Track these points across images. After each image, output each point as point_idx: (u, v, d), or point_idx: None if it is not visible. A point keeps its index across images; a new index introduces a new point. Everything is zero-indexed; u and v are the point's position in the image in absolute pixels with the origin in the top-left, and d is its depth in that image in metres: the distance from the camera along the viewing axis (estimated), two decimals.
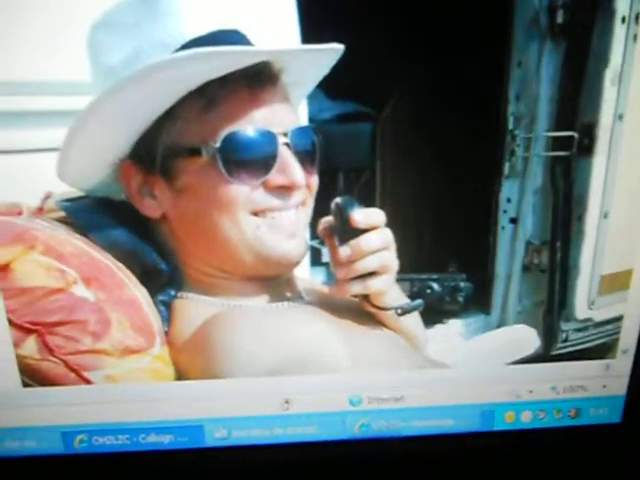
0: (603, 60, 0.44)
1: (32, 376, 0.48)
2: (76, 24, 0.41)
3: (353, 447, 0.54)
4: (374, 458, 0.54)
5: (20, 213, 0.48)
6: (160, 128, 0.44)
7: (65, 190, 0.48)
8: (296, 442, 0.54)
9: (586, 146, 0.45)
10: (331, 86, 0.43)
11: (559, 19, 0.43)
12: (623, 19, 0.43)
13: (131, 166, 0.46)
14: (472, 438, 0.54)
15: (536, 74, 0.44)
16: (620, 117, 0.45)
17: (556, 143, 0.45)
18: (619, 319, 0.51)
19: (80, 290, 0.47)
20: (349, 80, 0.42)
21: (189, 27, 0.42)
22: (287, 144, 0.45)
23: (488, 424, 0.54)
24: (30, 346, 0.47)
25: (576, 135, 0.45)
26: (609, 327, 0.51)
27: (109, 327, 0.48)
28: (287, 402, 0.52)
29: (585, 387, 0.54)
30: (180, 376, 0.50)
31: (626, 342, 0.52)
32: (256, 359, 0.47)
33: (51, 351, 0.47)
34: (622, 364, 0.53)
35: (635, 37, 0.43)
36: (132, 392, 0.51)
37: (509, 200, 0.47)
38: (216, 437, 0.54)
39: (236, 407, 0.53)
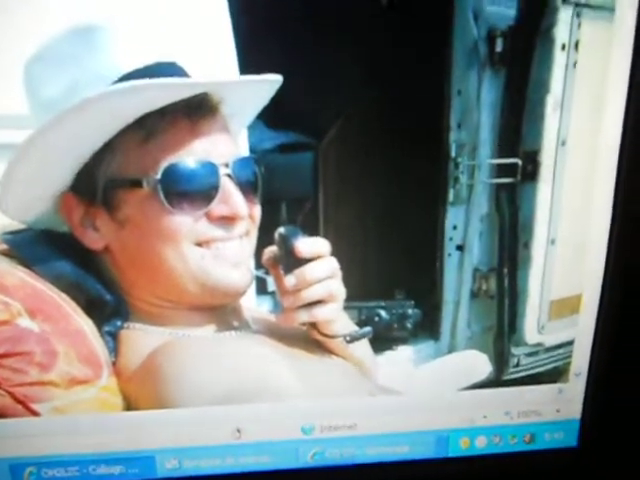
0: (544, 87, 0.44)
1: None
2: (11, 57, 0.41)
3: (307, 476, 0.53)
4: None
5: None
6: (100, 160, 0.44)
7: (6, 223, 0.47)
8: (249, 471, 0.53)
9: (530, 173, 0.45)
10: (271, 116, 0.43)
11: (498, 47, 0.43)
12: (563, 46, 0.44)
13: (72, 198, 0.45)
14: (428, 465, 0.53)
15: (477, 102, 0.44)
16: (563, 143, 0.45)
17: (500, 170, 0.45)
18: (570, 343, 0.51)
19: (25, 322, 0.46)
20: (289, 110, 0.42)
21: (126, 59, 0.42)
22: (229, 175, 0.45)
23: (443, 450, 0.54)
24: None
25: (520, 162, 0.45)
26: (560, 351, 0.51)
27: (55, 358, 0.47)
28: (239, 431, 0.51)
29: (539, 412, 0.53)
30: (129, 406, 0.49)
31: (578, 365, 0.52)
32: (204, 388, 0.47)
33: None
34: (575, 387, 0.53)
35: (575, 64, 0.44)
36: (81, 423, 0.50)
37: (455, 227, 0.47)
38: (167, 468, 0.52)
39: (187, 437, 0.52)
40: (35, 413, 0.47)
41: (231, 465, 0.53)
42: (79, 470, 0.52)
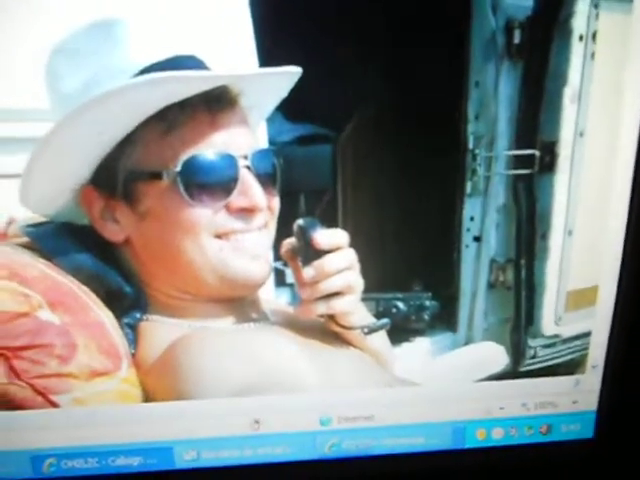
0: (561, 79, 0.44)
1: None
2: (33, 51, 0.41)
3: (324, 467, 0.54)
4: (345, 478, 0.55)
5: None
6: (121, 153, 0.44)
7: (28, 216, 0.48)
8: (267, 463, 0.54)
9: (548, 164, 0.46)
10: (290, 108, 0.43)
11: (516, 39, 0.43)
12: (580, 37, 0.44)
13: (93, 191, 0.46)
14: (444, 456, 0.54)
15: (494, 94, 0.44)
16: (581, 134, 0.45)
17: (517, 161, 0.46)
18: (587, 335, 0.52)
19: (45, 314, 0.47)
20: (308, 102, 0.43)
21: (145, 53, 0.42)
22: (248, 167, 0.45)
23: (460, 442, 0.54)
24: None
25: (537, 153, 0.45)
26: (577, 343, 0.52)
27: (75, 350, 0.48)
28: (257, 422, 0.52)
29: (555, 403, 0.54)
30: (148, 398, 0.50)
31: (595, 357, 0.53)
32: (223, 380, 0.47)
33: (17, 375, 0.47)
34: (592, 379, 0.54)
35: (593, 55, 0.44)
36: (100, 415, 0.51)
37: (472, 218, 0.47)
38: (185, 459, 0.54)
39: (205, 428, 0.53)
40: (55, 405, 0.48)
41: (249, 456, 0.54)
42: (98, 461, 0.53)
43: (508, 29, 0.43)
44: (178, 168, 0.44)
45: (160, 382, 0.49)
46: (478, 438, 0.55)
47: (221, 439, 0.53)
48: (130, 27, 0.42)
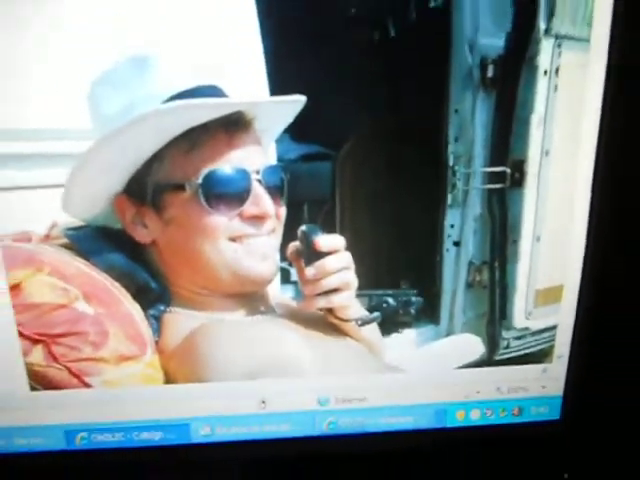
0: (529, 107, 0.50)
1: (39, 381, 0.54)
2: (78, 81, 0.47)
3: (322, 443, 0.60)
4: (341, 452, 0.60)
5: (30, 240, 0.53)
6: (150, 167, 0.50)
7: (68, 220, 0.53)
8: (272, 438, 0.59)
9: (517, 179, 0.51)
10: (296, 130, 0.49)
11: (489, 73, 0.49)
12: (545, 72, 0.50)
13: (125, 200, 0.52)
14: (428, 434, 0.60)
15: (471, 119, 0.50)
16: (546, 154, 0.51)
17: (491, 177, 0.51)
18: (553, 328, 0.57)
19: (81, 306, 0.53)
20: (311, 125, 0.49)
21: (174, 83, 0.48)
22: (259, 180, 0.51)
23: (441, 421, 0.60)
24: (37, 354, 0.53)
25: (508, 170, 0.51)
26: (545, 335, 0.57)
27: (106, 338, 0.53)
28: (263, 402, 0.58)
29: (526, 388, 0.60)
30: (169, 380, 0.55)
31: (560, 348, 0.59)
32: (235, 365, 0.53)
33: (56, 359, 0.53)
34: (558, 368, 0.59)
35: (556, 87, 0.50)
36: (127, 395, 0.56)
37: (452, 226, 0.53)
38: (201, 434, 0.59)
39: (219, 407, 0.58)
40: (87, 385, 0.54)
41: (256, 432, 0.59)
42: (124, 435, 0.59)
43: (483, 65, 0.49)
44: (199, 181, 0.50)
45: (180, 366, 0.54)
46: (458, 418, 0.60)
47: (232, 417, 0.59)
48: (160, 61, 0.48)
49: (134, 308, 0.53)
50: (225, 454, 0.59)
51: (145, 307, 0.54)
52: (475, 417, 0.60)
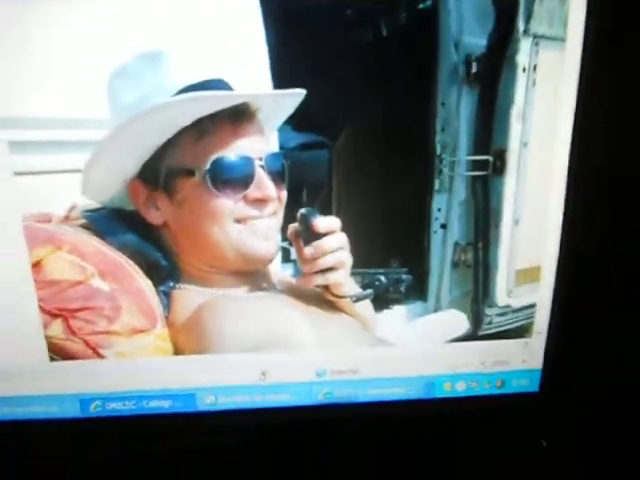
0: (509, 101, 0.54)
1: (57, 353, 0.57)
2: (98, 75, 0.51)
3: (319, 411, 0.63)
4: (337, 420, 0.64)
5: (50, 221, 0.56)
6: (162, 154, 0.54)
7: (86, 203, 0.56)
8: (272, 407, 0.62)
9: (499, 168, 0.55)
10: (296, 121, 0.53)
11: (473, 69, 0.53)
12: (524, 69, 0.54)
13: (139, 184, 0.55)
14: (417, 404, 0.63)
15: (456, 112, 0.53)
16: (525, 144, 0.55)
17: (475, 165, 0.55)
18: (533, 306, 0.61)
19: (97, 282, 0.56)
20: (310, 117, 0.52)
21: (185, 76, 0.52)
22: (262, 166, 0.55)
23: (430, 392, 0.64)
24: (56, 328, 0.56)
25: (491, 159, 0.55)
26: (525, 312, 0.61)
27: (120, 312, 0.56)
28: (264, 374, 0.61)
29: (508, 362, 0.63)
30: (177, 352, 0.58)
31: (539, 324, 0.62)
32: (238, 338, 0.56)
33: (73, 332, 0.56)
34: (537, 342, 0.63)
35: (534, 82, 0.54)
36: (138, 365, 0.58)
37: (439, 210, 0.56)
38: (206, 403, 0.62)
39: (223, 377, 0.60)
40: (102, 357, 0.57)
41: (258, 401, 0.62)
42: (135, 404, 0.62)
43: (467, 62, 0.52)
44: (207, 166, 0.53)
45: (187, 338, 0.57)
46: (445, 389, 0.64)
47: (235, 387, 0.61)
48: (172, 57, 0.51)
49: (146, 284, 0.57)
50: (228, 422, 0.62)
51: (156, 284, 0.57)
52: (461, 388, 0.64)
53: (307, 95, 0.52)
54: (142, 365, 0.59)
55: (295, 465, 0.66)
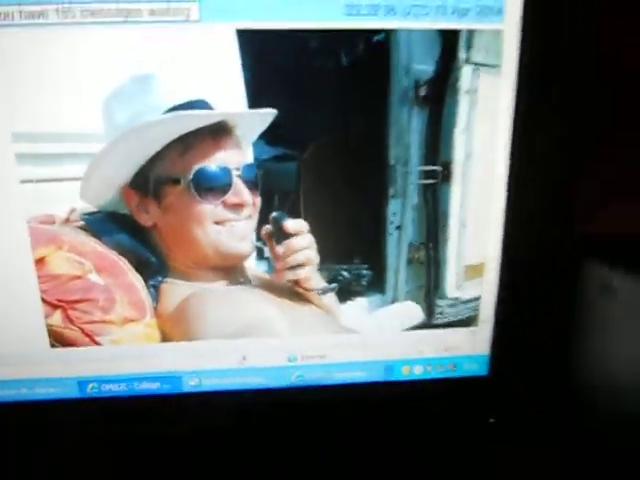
0: (454, 119, 0.58)
1: (57, 340, 0.61)
2: (95, 96, 0.57)
3: (292, 393, 0.68)
4: (307, 401, 0.69)
5: (53, 222, 0.60)
6: (151, 165, 0.59)
7: (85, 206, 0.60)
8: (250, 389, 0.67)
9: (446, 176, 0.59)
10: (269, 136, 0.58)
11: (422, 93, 0.59)
12: (466, 91, 0.61)
13: (131, 191, 0.60)
14: (378, 386, 0.69)
15: (408, 128, 0.57)
16: (469, 156, 0.62)
17: (425, 174, 0.59)
18: (478, 298, 0.66)
19: (94, 277, 0.60)
20: (281, 132, 0.59)
21: (171, 98, 0.58)
22: (239, 176, 0.60)
23: (390, 375, 0.69)
24: (56, 318, 0.60)
25: (439, 169, 0.61)
26: (472, 304, 0.66)
27: (114, 304, 0.61)
28: (244, 358, 0.65)
29: (459, 348, 0.68)
30: (165, 339, 0.63)
31: (484, 314, 0.67)
32: (219, 326, 0.63)
33: (72, 321, 0.61)
34: (483, 331, 0.68)
35: (475, 103, 0.61)
36: (130, 351, 0.63)
37: (395, 214, 0.60)
38: (191, 385, 0.66)
39: (206, 362, 0.65)
40: (97, 344, 0.62)
41: (238, 383, 0.66)
42: (127, 385, 0.66)
43: (416, 86, 0.57)
44: (191, 176, 0.58)
45: (174, 327, 0.62)
46: (404, 373, 0.69)
47: (217, 370, 0.66)
48: (160, 81, 0.57)
49: (137, 279, 0.61)
50: (211, 402, 0.67)
51: (146, 278, 0.62)
52: (418, 372, 0.69)
53: (278, 114, 0.58)
54: (133, 351, 0.63)
55: (271, 441, 0.72)
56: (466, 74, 0.60)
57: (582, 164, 0.68)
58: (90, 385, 0.66)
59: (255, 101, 0.59)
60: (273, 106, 0.59)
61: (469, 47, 0.60)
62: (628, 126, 0.68)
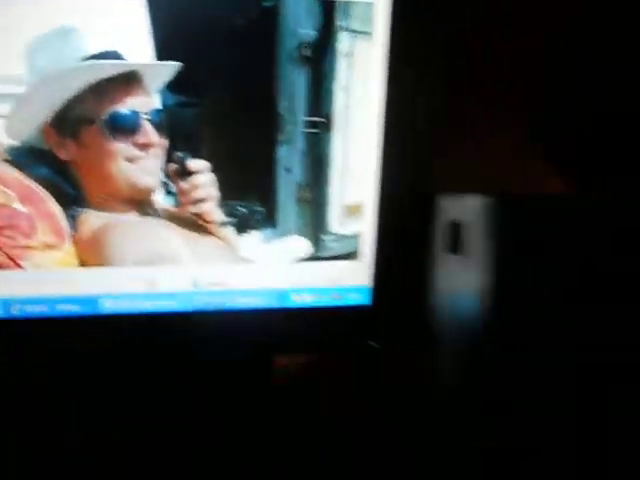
0: (335, 77, 0.67)
1: None
2: (19, 40, 0.65)
3: (198, 316, 0.75)
4: (208, 322, 0.77)
5: None
6: (70, 107, 0.66)
7: (10, 142, 0.66)
8: (159, 312, 0.74)
9: (328, 126, 0.69)
10: (174, 85, 0.67)
11: (306, 54, 0.69)
12: (345, 54, 0.72)
13: (51, 130, 0.66)
14: (273, 312, 0.77)
15: (294, 85, 0.67)
16: (348, 108, 0.73)
17: (310, 124, 0.70)
18: (359, 235, 0.76)
19: (17, 206, 0.67)
20: (184, 82, 0.69)
21: (88, 48, 0.66)
22: (147, 119, 0.70)
23: (283, 302, 0.77)
24: None
25: (322, 120, 0.72)
26: (354, 239, 0.75)
27: (35, 231, 0.67)
28: (152, 284, 0.73)
29: (344, 279, 0.78)
30: (82, 264, 0.70)
31: (365, 249, 0.76)
32: (130, 253, 0.72)
33: None
34: (365, 264, 0.77)
35: (353, 64, 0.73)
36: (50, 275, 0.69)
37: (284, 157, 0.69)
38: (107, 306, 0.73)
39: (119, 286, 0.72)
40: (21, 267, 0.68)
41: (149, 307, 0.74)
42: (48, 307, 0.72)
43: (301, 47, 0.67)
44: (104, 118, 0.66)
45: (90, 254, 0.70)
46: (295, 300, 0.77)
47: (130, 294, 0.73)
48: (79, 32, 0.66)
49: (57, 209, 0.68)
50: (124, 323, 0.73)
51: (65, 208, 0.68)
52: (308, 300, 0.77)
53: (181, 66, 0.68)
54: (54, 274, 0.70)
55: (178, 357, 0.81)
56: (344, 39, 0.72)
57: (446, 117, 0.80)
58: (14, 306, 0.71)
59: (162, 54, 0.69)
60: (177, 59, 0.69)
61: (346, 16, 0.71)
62: (483, 81, 0.79)
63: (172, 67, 0.69)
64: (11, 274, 0.69)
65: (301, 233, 0.77)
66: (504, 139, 0.82)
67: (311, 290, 0.78)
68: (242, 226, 0.76)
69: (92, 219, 0.71)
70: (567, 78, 0.85)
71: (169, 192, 0.74)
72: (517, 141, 0.84)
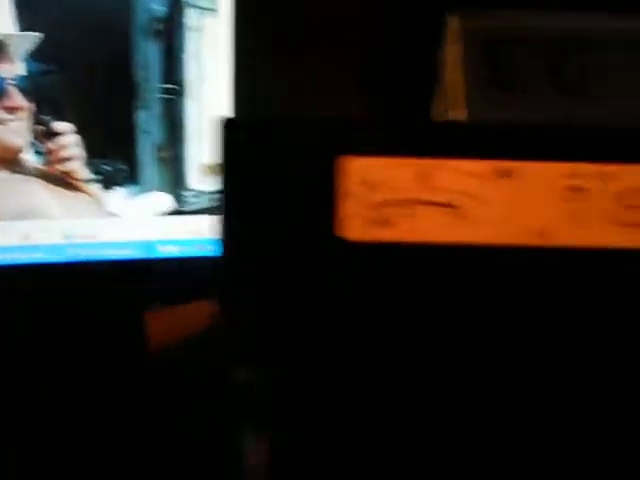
0: (185, 49, 0.82)
1: None
2: None
3: (71, 268, 0.84)
4: (83, 273, 0.86)
5: None
6: None
7: None
8: (32, 263, 0.79)
9: (182, 93, 0.83)
10: (37, 54, 0.77)
11: (158, 27, 0.81)
12: (193, 28, 0.83)
13: None
14: (141, 262, 0.86)
15: (149, 56, 0.80)
16: (200, 77, 0.85)
17: (166, 90, 0.83)
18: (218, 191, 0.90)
19: None
20: (47, 51, 0.78)
21: None
22: (14, 84, 0.78)
23: (151, 253, 0.86)
24: None
25: (176, 87, 0.84)
26: (213, 195, 0.89)
27: None
28: (27, 237, 0.79)
29: (204, 232, 0.87)
30: None
31: None
32: (3, 209, 0.81)
33: None
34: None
35: (202, 37, 0.84)
36: None
37: (142, 121, 0.79)
38: None
39: None
40: None
41: (24, 258, 0.79)
42: None
43: (154, 22, 0.81)
44: None
45: None
46: (161, 251, 0.86)
47: (6, 247, 0.81)
48: None
49: None
50: (5, 273, 0.82)
51: None
52: (173, 250, 0.85)
53: (44, 37, 0.78)
54: None
55: (54, 308, 0.89)
56: (192, 15, 0.83)
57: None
58: None
59: (24, 24, 0.78)
60: (40, 31, 0.79)
61: None
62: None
63: (33, 37, 0.78)
64: None
65: (163, 189, 0.86)
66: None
67: (177, 242, 0.86)
68: (108, 183, 0.85)
69: None
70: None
71: (37, 152, 0.82)
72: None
